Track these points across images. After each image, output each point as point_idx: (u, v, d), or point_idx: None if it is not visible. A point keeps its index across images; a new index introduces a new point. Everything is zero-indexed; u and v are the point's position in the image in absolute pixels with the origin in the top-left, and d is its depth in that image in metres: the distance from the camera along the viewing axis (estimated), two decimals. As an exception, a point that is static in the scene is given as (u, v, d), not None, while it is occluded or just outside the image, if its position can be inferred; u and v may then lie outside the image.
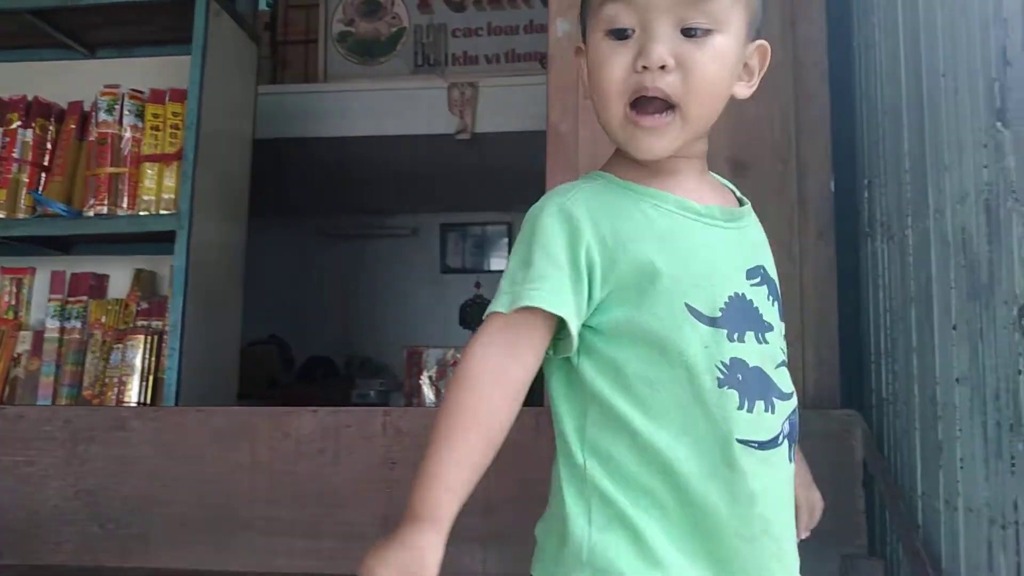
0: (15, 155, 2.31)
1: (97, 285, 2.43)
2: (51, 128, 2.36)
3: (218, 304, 2.31)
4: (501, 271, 0.85)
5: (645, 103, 0.82)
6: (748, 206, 0.93)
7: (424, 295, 4.60)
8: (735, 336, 0.81)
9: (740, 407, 0.80)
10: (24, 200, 2.30)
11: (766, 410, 0.82)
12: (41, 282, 2.47)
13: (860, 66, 1.55)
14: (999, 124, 0.96)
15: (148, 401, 2.17)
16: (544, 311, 0.79)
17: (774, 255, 0.92)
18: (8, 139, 2.32)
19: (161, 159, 2.23)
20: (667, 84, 0.81)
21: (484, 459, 0.80)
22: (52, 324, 2.35)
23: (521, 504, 1.50)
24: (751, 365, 0.82)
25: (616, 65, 0.82)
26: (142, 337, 2.22)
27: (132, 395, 2.18)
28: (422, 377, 3.12)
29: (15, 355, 2.37)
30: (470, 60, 3.68)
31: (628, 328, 0.82)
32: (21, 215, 2.29)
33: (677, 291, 0.81)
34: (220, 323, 2.33)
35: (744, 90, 0.89)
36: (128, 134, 2.25)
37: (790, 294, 1.43)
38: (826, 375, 1.48)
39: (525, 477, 1.50)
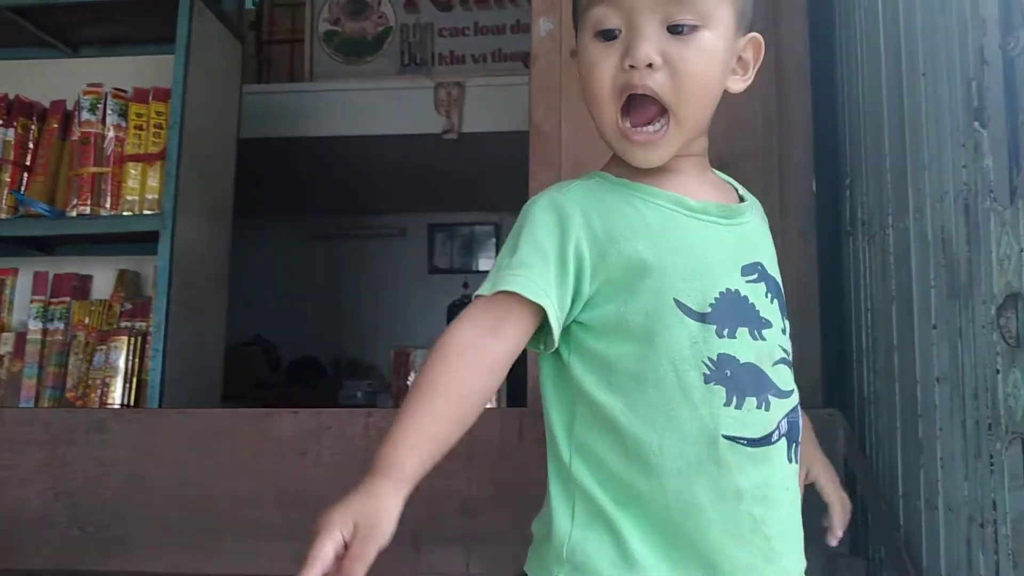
0: (-4, 155, 2.29)
1: (80, 286, 2.41)
2: (33, 127, 2.34)
3: (202, 305, 2.30)
4: (488, 271, 0.86)
5: (636, 104, 0.83)
6: (749, 203, 0.93)
7: (412, 295, 4.59)
8: (725, 332, 0.81)
9: (728, 403, 0.80)
10: (6, 200, 2.28)
11: (759, 407, 0.81)
12: (23, 283, 2.45)
13: (842, 66, 1.56)
14: (977, 124, 0.96)
15: (132, 403, 2.15)
16: (524, 298, 0.80)
17: None
18: (-10, 139, 2.30)
19: (144, 159, 2.22)
20: (655, 82, 0.81)
21: (454, 426, 0.79)
22: (35, 325, 2.33)
23: (505, 505, 1.50)
24: (742, 361, 0.81)
25: (605, 66, 0.83)
26: (125, 338, 2.21)
27: (116, 397, 2.17)
28: (410, 378, 3.12)
29: (-3, 357, 2.35)
30: (457, 60, 3.67)
31: (617, 323, 0.82)
32: (3, 215, 2.27)
33: (666, 286, 0.81)
34: (204, 324, 2.32)
35: (739, 84, 0.89)
36: (111, 133, 2.23)
37: (773, 294, 1.43)
38: (808, 374, 1.48)
39: (509, 478, 1.50)
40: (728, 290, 0.83)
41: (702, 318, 0.81)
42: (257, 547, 1.52)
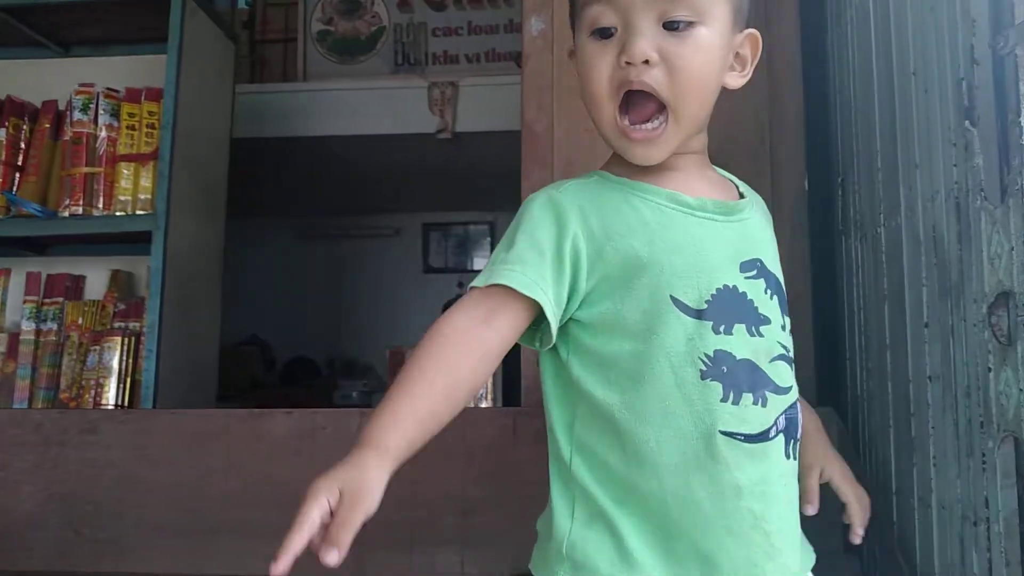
0: (-11, 155, 2.28)
1: (73, 286, 2.40)
2: (25, 127, 2.34)
3: (196, 305, 2.29)
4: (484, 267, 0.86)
5: (635, 101, 0.83)
6: (750, 199, 0.93)
7: (407, 295, 4.60)
8: (721, 328, 0.82)
9: (724, 399, 0.80)
10: (-2, 201, 2.27)
11: (755, 403, 0.82)
12: (16, 283, 2.44)
13: (833, 65, 1.56)
14: (967, 123, 0.96)
15: (126, 403, 2.15)
16: (518, 292, 0.80)
17: None
18: (-19, 139, 2.29)
19: (137, 159, 2.21)
20: (652, 78, 0.81)
21: (443, 407, 0.79)
22: (28, 326, 2.33)
23: (500, 505, 1.50)
24: (739, 358, 0.82)
25: (602, 64, 0.83)
26: (119, 339, 2.20)
27: (109, 397, 2.16)
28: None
29: (-10, 358, 2.34)
30: (450, 59, 3.67)
31: (614, 321, 0.83)
32: (-5, 216, 2.27)
33: (662, 283, 0.81)
34: (198, 324, 2.32)
35: (737, 80, 0.89)
36: (103, 133, 2.23)
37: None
38: (801, 372, 1.48)
39: (503, 479, 1.50)
40: (726, 286, 0.83)
41: (698, 314, 0.81)
42: (251, 548, 1.52)
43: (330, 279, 4.67)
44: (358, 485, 0.69)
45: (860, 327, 1.41)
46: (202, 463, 1.56)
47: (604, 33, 0.83)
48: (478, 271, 0.85)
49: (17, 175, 2.31)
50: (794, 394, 0.87)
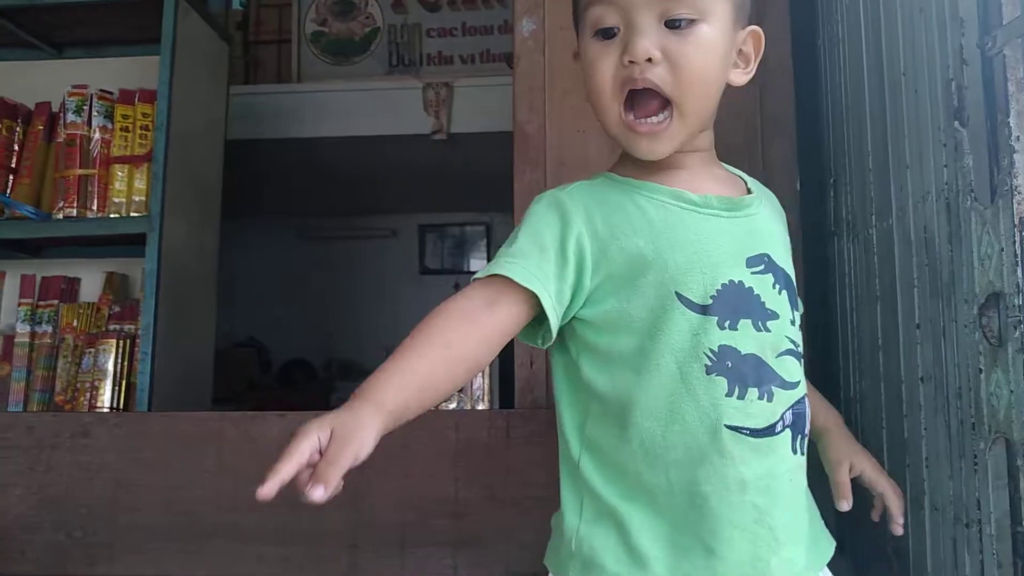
0: (-19, 157, 2.28)
1: (68, 288, 2.40)
2: (18, 129, 2.33)
3: (191, 307, 2.29)
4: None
5: (639, 100, 0.84)
6: (757, 195, 0.94)
7: (403, 296, 4.60)
8: (726, 324, 0.83)
9: (729, 394, 0.82)
10: (-9, 203, 2.27)
11: (760, 398, 0.83)
12: (10, 286, 2.44)
13: (825, 64, 1.55)
14: (957, 123, 0.96)
15: (121, 406, 2.14)
16: (517, 284, 0.81)
17: None
18: (-26, 142, 2.29)
19: (131, 160, 2.21)
20: (656, 76, 0.82)
21: (438, 378, 0.79)
22: (22, 328, 2.32)
23: (492, 508, 1.50)
24: (744, 353, 0.83)
25: (605, 64, 0.84)
26: (114, 341, 2.20)
27: (104, 400, 2.16)
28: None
29: (-16, 361, 2.33)
30: (445, 60, 3.68)
31: (620, 318, 0.84)
32: (-11, 218, 2.26)
33: (667, 280, 0.83)
34: (193, 326, 2.31)
35: (741, 77, 0.90)
36: (97, 135, 2.22)
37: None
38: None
39: (495, 481, 1.50)
40: (731, 282, 0.84)
41: (703, 310, 0.82)
42: (244, 551, 1.52)
43: (326, 281, 4.67)
44: (350, 428, 0.69)
45: (852, 328, 1.41)
46: (195, 466, 1.56)
47: (607, 33, 0.85)
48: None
49: (10, 177, 2.30)
50: (802, 389, 0.87)
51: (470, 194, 4.09)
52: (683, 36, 0.82)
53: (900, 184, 1.17)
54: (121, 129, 2.23)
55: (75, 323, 2.31)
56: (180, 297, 2.19)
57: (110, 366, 2.17)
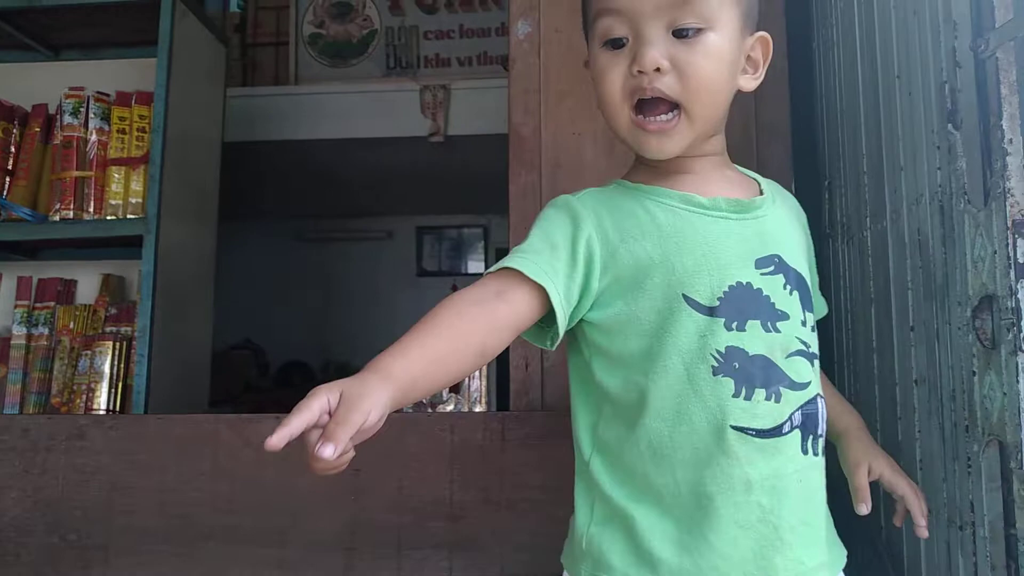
0: (-22, 160, 2.28)
1: (64, 291, 2.40)
2: (14, 131, 2.33)
3: (188, 309, 2.29)
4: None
5: (648, 106, 0.85)
6: (769, 197, 0.94)
7: (400, 298, 4.60)
8: (733, 325, 0.83)
9: (736, 395, 0.82)
10: (-12, 205, 2.27)
11: (768, 399, 0.83)
12: (7, 288, 2.44)
13: (819, 67, 1.56)
14: (950, 126, 0.96)
15: (117, 408, 2.14)
16: (527, 278, 0.82)
17: None
18: (-29, 143, 2.29)
19: (128, 163, 2.21)
20: (664, 85, 0.84)
21: (448, 358, 0.79)
22: (19, 331, 2.32)
23: (487, 510, 1.50)
24: (752, 354, 0.83)
25: (614, 74, 0.86)
26: (111, 343, 2.20)
27: (101, 402, 2.15)
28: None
29: (-19, 363, 2.33)
30: (442, 62, 3.68)
31: (628, 321, 0.86)
32: (-15, 220, 2.26)
33: (675, 282, 0.84)
34: (190, 328, 2.31)
35: (750, 82, 0.92)
36: (94, 137, 2.22)
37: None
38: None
39: (491, 484, 1.50)
40: (739, 283, 0.85)
41: (710, 312, 0.84)
42: (239, 553, 1.52)
43: (323, 283, 4.67)
44: (359, 392, 0.69)
45: (847, 330, 1.41)
46: (191, 468, 1.56)
47: (616, 44, 0.86)
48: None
49: (7, 179, 2.30)
50: (813, 390, 0.88)
51: (467, 196, 4.09)
52: (691, 45, 0.84)
53: (894, 186, 1.17)
54: (118, 131, 2.23)
55: (71, 325, 2.31)
56: (176, 299, 2.19)
57: (106, 368, 2.17)
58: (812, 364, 0.89)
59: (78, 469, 1.58)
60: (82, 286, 2.44)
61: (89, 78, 2.32)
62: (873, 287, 1.26)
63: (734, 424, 0.82)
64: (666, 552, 0.84)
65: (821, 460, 0.90)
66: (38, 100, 2.35)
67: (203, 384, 2.39)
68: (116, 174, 2.20)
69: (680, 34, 0.84)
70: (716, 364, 0.83)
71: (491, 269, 0.85)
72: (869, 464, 1.01)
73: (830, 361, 1.52)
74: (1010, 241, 0.85)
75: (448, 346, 0.79)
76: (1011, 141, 0.85)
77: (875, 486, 1.03)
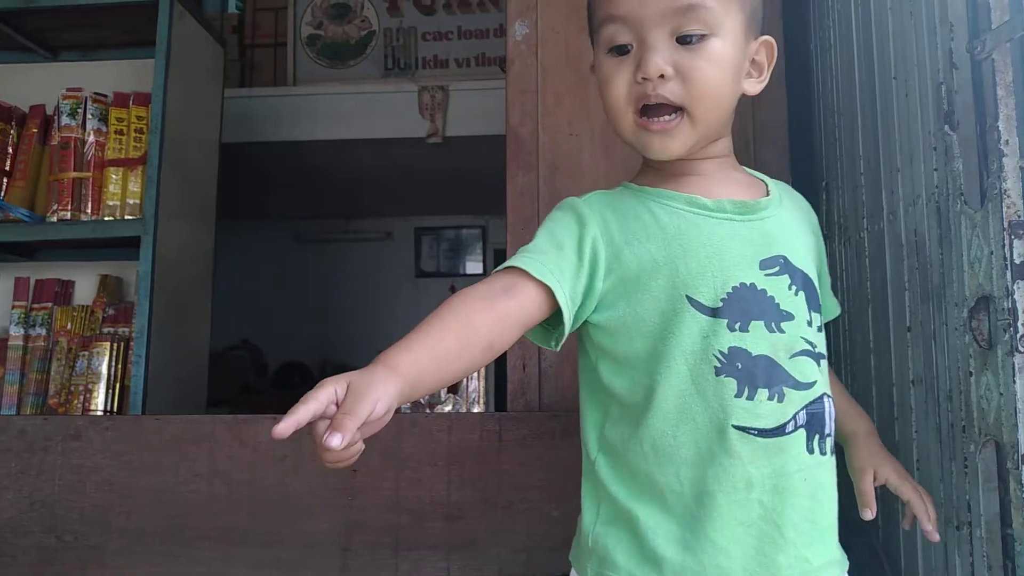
0: (-24, 160, 2.27)
1: (62, 291, 2.40)
2: (12, 132, 2.33)
3: (186, 310, 2.29)
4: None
5: (652, 111, 0.87)
6: (776, 198, 0.95)
7: (399, 299, 4.60)
8: (736, 326, 0.84)
9: (738, 395, 0.83)
10: (-14, 206, 2.26)
11: (771, 399, 0.84)
12: (4, 289, 2.43)
13: (816, 69, 1.56)
14: (947, 127, 0.97)
15: (115, 409, 2.14)
16: (532, 277, 0.83)
17: None
18: (-31, 144, 2.29)
19: (125, 164, 2.21)
20: (668, 91, 0.85)
21: (452, 352, 0.80)
22: (16, 331, 2.32)
23: (485, 511, 1.50)
24: (755, 354, 0.84)
25: (619, 80, 0.87)
26: (108, 344, 2.19)
27: (98, 403, 2.15)
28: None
29: (-22, 364, 2.33)
30: (440, 63, 3.67)
31: (633, 322, 0.87)
32: (-17, 221, 2.26)
33: (679, 284, 0.85)
34: (188, 329, 2.31)
35: (755, 86, 0.93)
36: (91, 138, 2.22)
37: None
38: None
39: (488, 484, 1.50)
40: (743, 284, 0.86)
41: (713, 313, 0.84)
42: (235, 554, 1.52)
43: (322, 283, 4.67)
44: (366, 383, 0.70)
45: (845, 330, 1.41)
46: (187, 469, 1.56)
47: (621, 50, 0.87)
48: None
49: (4, 180, 2.30)
50: (819, 389, 0.88)
51: (466, 197, 4.09)
52: (694, 51, 0.85)
53: (891, 188, 1.17)
54: (115, 132, 2.23)
55: (69, 326, 2.30)
56: (174, 300, 2.18)
57: (104, 369, 2.17)
58: (818, 364, 0.89)
59: (75, 470, 1.58)
60: (80, 287, 2.44)
61: (87, 79, 2.32)
62: (870, 288, 1.27)
63: (736, 424, 0.83)
64: (669, 550, 0.85)
65: (830, 459, 0.90)
66: (36, 101, 2.35)
67: (201, 385, 2.39)
68: (114, 175, 2.20)
69: (684, 40, 0.85)
70: (719, 365, 0.84)
71: (498, 268, 0.86)
72: (875, 469, 1.01)
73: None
74: (1006, 242, 0.85)
75: (456, 340, 0.80)
76: (1007, 142, 0.86)
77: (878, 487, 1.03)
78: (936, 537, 0.98)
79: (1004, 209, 0.85)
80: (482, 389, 2.60)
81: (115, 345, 2.19)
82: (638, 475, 0.88)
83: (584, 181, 1.59)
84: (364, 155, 3.38)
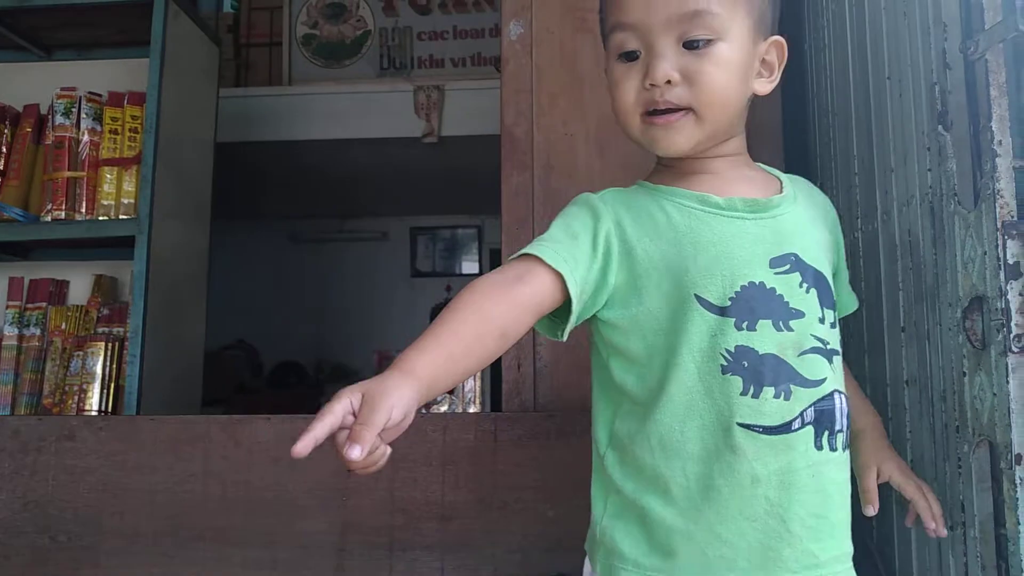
0: (-31, 160, 2.27)
1: (56, 291, 2.39)
2: (6, 131, 2.32)
3: (180, 310, 2.28)
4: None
5: (660, 114, 0.89)
6: (789, 195, 0.96)
7: (395, 299, 4.59)
8: (744, 325, 0.85)
9: (744, 393, 0.85)
10: (-21, 205, 2.26)
11: (777, 396, 0.85)
12: (-2, 288, 2.43)
13: (811, 69, 1.56)
14: (941, 128, 0.97)
15: (110, 409, 2.13)
16: (546, 264, 0.84)
17: None
18: (-37, 143, 2.28)
19: (120, 163, 2.20)
20: (675, 96, 0.87)
21: (468, 344, 0.81)
22: (10, 331, 2.31)
23: (479, 511, 1.50)
24: (762, 353, 0.85)
25: (628, 87, 0.89)
26: (103, 344, 2.19)
27: (93, 403, 2.14)
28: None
29: (-29, 364, 2.32)
30: (436, 63, 3.67)
31: (643, 320, 0.88)
32: (-23, 221, 2.25)
33: (688, 283, 0.86)
34: (182, 329, 2.30)
35: (766, 86, 0.94)
36: (86, 138, 2.21)
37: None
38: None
39: (483, 484, 1.50)
40: (751, 283, 0.87)
41: (721, 311, 0.86)
42: (230, 554, 1.51)
43: (317, 283, 4.66)
44: (380, 391, 0.71)
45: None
46: (181, 469, 1.55)
47: (629, 56, 0.90)
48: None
49: (-1, 180, 2.30)
50: (830, 386, 0.88)
51: (462, 197, 4.09)
52: (700, 56, 0.86)
53: (885, 188, 1.17)
54: (110, 131, 2.22)
55: (63, 326, 2.30)
56: (169, 300, 2.18)
57: (98, 369, 2.16)
58: (830, 361, 0.90)
59: (68, 470, 1.58)
60: (74, 287, 2.43)
61: (81, 78, 2.32)
62: (864, 288, 1.27)
63: (740, 421, 0.84)
64: (674, 542, 0.87)
65: (841, 455, 0.90)
66: (30, 100, 2.34)
67: (196, 385, 2.38)
68: (108, 174, 2.19)
69: (690, 46, 0.86)
70: (725, 363, 0.85)
71: (512, 256, 0.88)
72: (879, 466, 1.03)
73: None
74: (1000, 242, 0.85)
75: (471, 332, 0.81)
76: (1001, 143, 0.86)
77: (886, 484, 1.03)
78: (943, 532, 0.98)
79: (997, 209, 0.85)
80: (478, 389, 2.60)
81: (110, 345, 2.19)
82: (645, 469, 0.89)
83: (579, 181, 1.59)
84: (360, 155, 3.38)
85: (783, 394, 0.85)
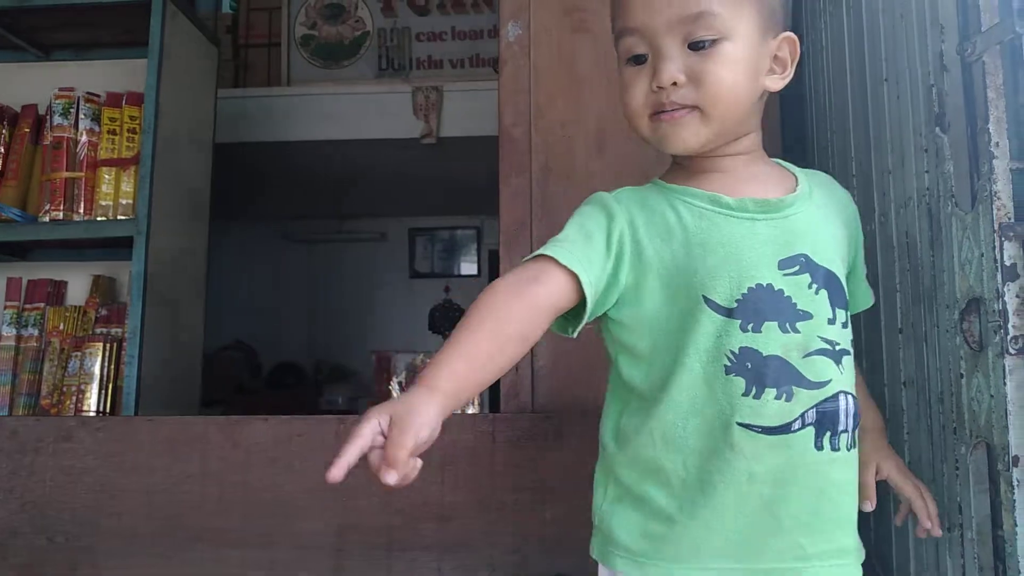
0: (-33, 160, 2.27)
1: (55, 292, 2.39)
2: (4, 132, 2.32)
3: (179, 310, 2.28)
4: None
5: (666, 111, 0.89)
6: (803, 193, 0.96)
7: (393, 299, 4.59)
8: (749, 327, 0.86)
9: (746, 393, 0.86)
10: (-23, 206, 2.25)
11: (778, 398, 0.86)
12: (-4, 289, 2.43)
13: (808, 71, 1.56)
14: (938, 129, 0.97)
15: (108, 410, 2.13)
16: (560, 264, 0.85)
17: None
18: (-39, 144, 2.28)
19: (118, 163, 2.20)
20: (681, 96, 0.88)
21: (488, 352, 0.82)
22: (8, 332, 2.31)
23: (477, 512, 1.50)
24: (766, 354, 0.86)
25: (637, 90, 0.90)
26: (101, 344, 2.19)
27: (91, 404, 2.14)
28: (391, 382, 3.11)
29: (-31, 364, 2.32)
30: (434, 64, 3.67)
31: (652, 320, 0.90)
32: (-26, 221, 2.25)
33: (696, 284, 0.87)
34: (181, 329, 2.30)
35: (777, 83, 0.94)
36: (84, 138, 2.21)
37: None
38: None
39: (481, 485, 1.50)
40: (759, 285, 0.87)
41: (728, 313, 0.86)
42: (228, 555, 1.51)
43: (316, 284, 4.66)
44: (405, 410, 0.73)
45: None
46: (178, 470, 1.55)
47: (638, 60, 0.91)
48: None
49: (-4, 180, 2.29)
50: (835, 387, 0.88)
51: (460, 198, 4.09)
52: (706, 56, 0.87)
53: (882, 189, 1.17)
54: (108, 132, 2.22)
55: (61, 326, 2.30)
56: (167, 300, 2.18)
57: (96, 370, 2.16)
58: (838, 362, 0.90)
59: (66, 471, 1.57)
60: (72, 287, 2.43)
61: (79, 78, 2.32)
62: (862, 289, 1.27)
63: (740, 421, 0.85)
64: (667, 530, 0.89)
65: (845, 455, 0.90)
66: (28, 100, 2.35)
67: (194, 385, 2.38)
68: (106, 175, 2.19)
69: (696, 47, 0.87)
70: (729, 364, 0.86)
71: (527, 257, 0.89)
72: (878, 463, 1.03)
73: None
74: (997, 244, 0.85)
75: (490, 339, 0.82)
76: (998, 144, 0.86)
77: (884, 484, 1.03)
78: (939, 532, 0.98)
79: (994, 211, 0.85)
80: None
81: (108, 346, 2.19)
82: (644, 460, 0.91)
83: (577, 182, 1.59)
84: (358, 156, 3.38)
85: (784, 396, 0.86)
